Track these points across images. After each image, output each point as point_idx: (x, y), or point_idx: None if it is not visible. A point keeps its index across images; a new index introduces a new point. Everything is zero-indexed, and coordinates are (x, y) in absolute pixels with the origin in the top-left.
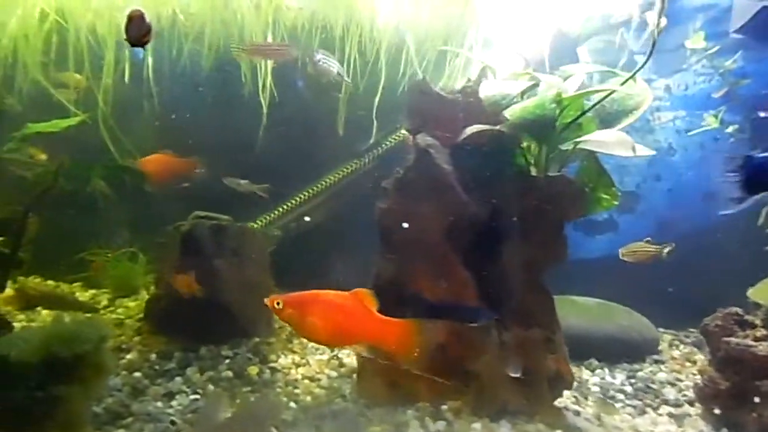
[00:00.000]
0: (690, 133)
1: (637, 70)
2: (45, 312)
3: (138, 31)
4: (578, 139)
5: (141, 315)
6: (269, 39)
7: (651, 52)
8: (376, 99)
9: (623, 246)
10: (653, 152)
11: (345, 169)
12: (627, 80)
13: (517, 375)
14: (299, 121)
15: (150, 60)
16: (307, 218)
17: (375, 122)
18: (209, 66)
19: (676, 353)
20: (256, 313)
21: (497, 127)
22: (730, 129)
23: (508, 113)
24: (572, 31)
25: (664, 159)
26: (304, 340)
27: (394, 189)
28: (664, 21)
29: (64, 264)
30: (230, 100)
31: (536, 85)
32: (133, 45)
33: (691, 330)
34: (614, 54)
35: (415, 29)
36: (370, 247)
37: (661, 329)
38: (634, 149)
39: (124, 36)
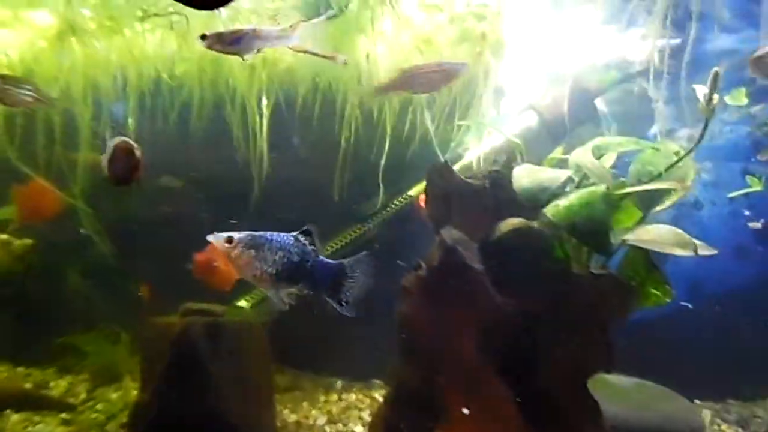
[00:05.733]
0: (730, 196)
1: (689, 152)
2: (15, 417)
3: (124, 167)
4: (628, 237)
5: (125, 414)
6: (263, 101)
7: (704, 132)
8: (382, 161)
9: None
10: (715, 251)
11: (348, 235)
12: (673, 165)
13: None
14: (298, 184)
15: (131, 121)
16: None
17: (381, 186)
18: (199, 129)
19: None
20: (256, 421)
21: (535, 225)
22: None
23: (550, 212)
24: (590, 81)
25: (690, 214)
26: None
27: (416, 290)
28: (716, 98)
29: (38, 348)
30: (222, 165)
31: (571, 179)
32: (117, 184)
33: (730, 401)
34: (633, 104)
35: None
36: (372, 317)
37: (697, 401)
38: (695, 250)
39: (106, 172)
